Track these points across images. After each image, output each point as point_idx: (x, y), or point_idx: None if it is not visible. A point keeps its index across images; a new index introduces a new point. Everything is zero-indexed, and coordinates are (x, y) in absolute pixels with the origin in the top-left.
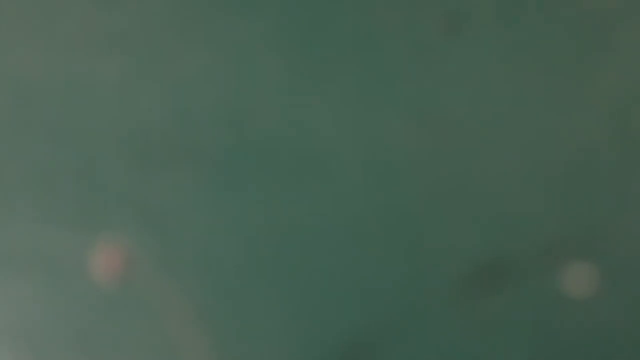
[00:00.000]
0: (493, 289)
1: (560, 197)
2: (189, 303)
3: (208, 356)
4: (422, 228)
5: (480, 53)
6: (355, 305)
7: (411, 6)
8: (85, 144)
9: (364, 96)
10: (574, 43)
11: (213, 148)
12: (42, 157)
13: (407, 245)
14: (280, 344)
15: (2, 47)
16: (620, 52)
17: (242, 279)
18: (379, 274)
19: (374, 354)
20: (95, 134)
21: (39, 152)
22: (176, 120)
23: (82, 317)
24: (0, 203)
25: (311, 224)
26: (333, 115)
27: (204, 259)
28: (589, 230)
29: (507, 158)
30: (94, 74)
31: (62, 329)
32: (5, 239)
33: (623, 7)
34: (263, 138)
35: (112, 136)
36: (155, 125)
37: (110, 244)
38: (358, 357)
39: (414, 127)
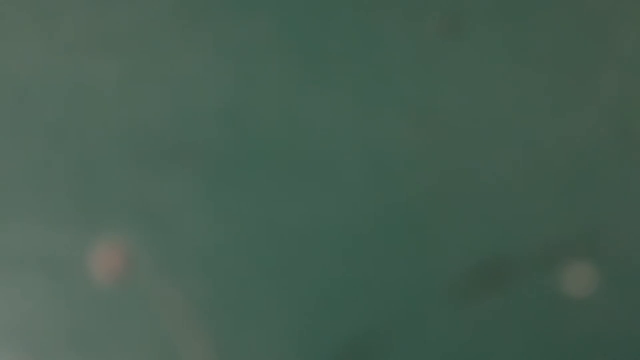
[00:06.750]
0: (493, 289)
1: (561, 197)
2: (189, 303)
3: (208, 356)
4: (422, 228)
5: (480, 53)
6: (355, 305)
7: (411, 6)
8: (85, 143)
9: (364, 96)
10: (574, 43)
11: (213, 148)
12: (42, 157)
13: (407, 245)
14: (280, 344)
15: (2, 47)
16: (620, 52)
17: (242, 279)
18: (378, 273)
19: (374, 353)
20: (95, 134)
21: (38, 152)
22: (176, 120)
23: (82, 317)
24: None
25: (311, 224)
26: (333, 115)
27: (204, 259)
28: (589, 230)
29: (506, 158)
30: (94, 74)
31: (62, 329)
32: (5, 239)
33: (623, 7)
34: (263, 138)
35: (112, 136)
36: (155, 125)
37: (110, 244)
38: (358, 357)
39: (414, 127)
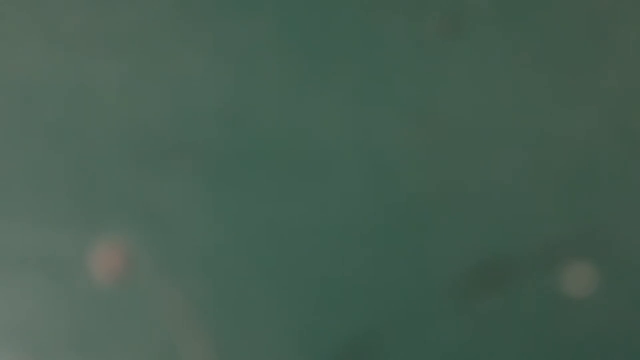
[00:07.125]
0: (493, 289)
1: (561, 197)
2: (189, 303)
3: (208, 356)
4: (422, 228)
5: (481, 53)
6: (355, 305)
7: (411, 6)
8: (85, 143)
9: (364, 96)
10: (574, 43)
11: (213, 148)
12: (42, 157)
13: (407, 245)
14: (280, 344)
15: (3, 47)
16: (621, 52)
17: (242, 279)
18: (378, 273)
19: (374, 353)
20: (95, 134)
21: (38, 152)
22: (176, 120)
23: (82, 317)
24: None
25: (311, 224)
26: (333, 115)
27: (204, 259)
28: (589, 231)
29: (507, 158)
30: (94, 74)
31: (62, 329)
32: (5, 239)
33: (623, 7)
34: (263, 138)
35: (112, 136)
36: (156, 126)
37: (110, 244)
38: (358, 357)
39: (414, 127)
